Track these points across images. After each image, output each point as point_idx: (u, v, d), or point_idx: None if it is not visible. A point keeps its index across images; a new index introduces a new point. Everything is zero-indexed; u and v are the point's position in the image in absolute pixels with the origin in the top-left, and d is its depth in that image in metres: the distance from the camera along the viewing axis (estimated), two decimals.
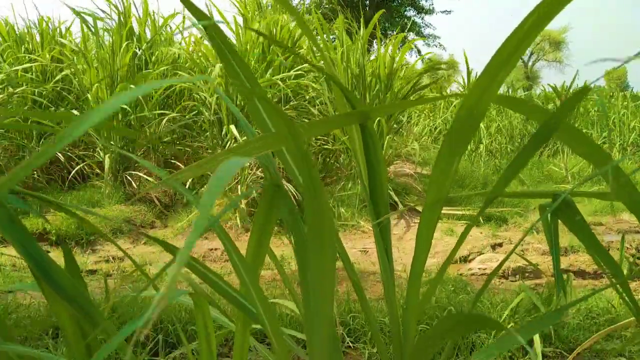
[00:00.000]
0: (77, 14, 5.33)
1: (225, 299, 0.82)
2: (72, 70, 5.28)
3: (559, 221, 0.84)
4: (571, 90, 9.73)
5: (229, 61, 0.81)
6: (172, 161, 5.27)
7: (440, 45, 22.59)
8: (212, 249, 3.91)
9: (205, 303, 0.87)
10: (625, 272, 2.26)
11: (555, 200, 0.78)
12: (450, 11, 23.02)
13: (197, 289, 0.90)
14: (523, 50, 0.66)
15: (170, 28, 6.30)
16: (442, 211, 5.57)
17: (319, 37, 5.93)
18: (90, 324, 0.76)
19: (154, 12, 5.98)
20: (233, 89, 4.88)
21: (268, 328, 0.77)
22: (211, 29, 0.78)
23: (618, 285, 0.77)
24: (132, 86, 4.93)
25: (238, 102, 4.91)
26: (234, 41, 5.12)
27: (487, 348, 0.75)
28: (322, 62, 5.57)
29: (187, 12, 6.40)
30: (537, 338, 1.92)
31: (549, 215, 0.82)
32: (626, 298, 0.75)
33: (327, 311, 0.71)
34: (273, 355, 1.00)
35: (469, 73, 8.58)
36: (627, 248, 3.78)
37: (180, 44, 6.13)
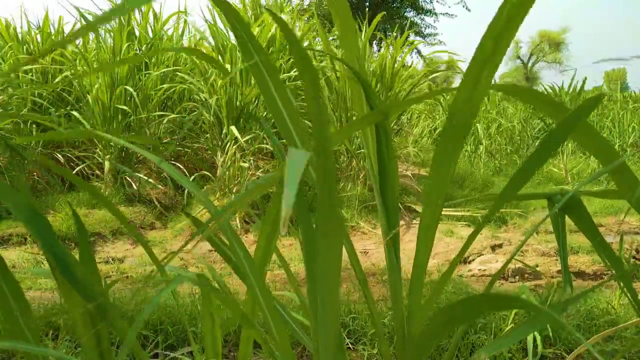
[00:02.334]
0: (81, 14, 5.34)
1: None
2: (73, 71, 5.29)
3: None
4: (569, 91, 9.73)
5: (252, 56, 0.81)
6: (173, 162, 5.27)
7: (441, 42, 22.53)
8: (211, 250, 3.91)
9: (212, 295, 0.87)
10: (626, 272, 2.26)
11: (564, 196, 0.80)
12: (453, 15, 22.81)
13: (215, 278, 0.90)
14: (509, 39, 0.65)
15: (178, 30, 6.31)
16: (442, 212, 5.58)
17: (320, 38, 5.93)
18: (102, 319, 0.77)
19: (154, 12, 5.98)
20: (233, 89, 4.88)
21: (274, 331, 0.77)
22: (235, 22, 0.78)
23: (621, 281, 0.78)
24: (130, 89, 4.93)
25: (238, 103, 4.91)
26: (234, 41, 5.12)
27: (508, 335, 0.74)
28: (322, 62, 5.58)
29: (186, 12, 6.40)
30: (538, 338, 1.93)
31: (557, 211, 0.83)
32: (626, 290, 0.76)
33: (334, 306, 0.71)
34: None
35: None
36: (627, 249, 3.78)
37: (180, 44, 6.13)
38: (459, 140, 0.73)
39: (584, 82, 9.43)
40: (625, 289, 0.77)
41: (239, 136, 4.52)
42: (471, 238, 0.80)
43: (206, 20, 5.27)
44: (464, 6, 22.25)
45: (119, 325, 0.77)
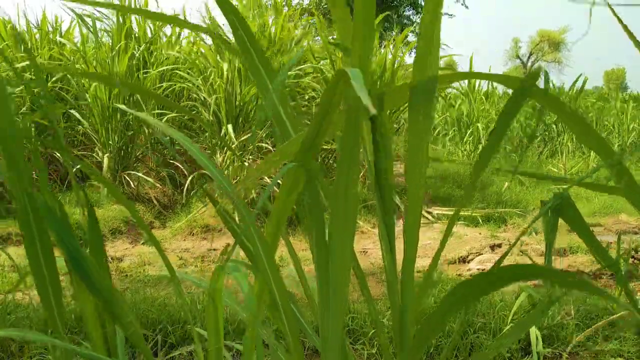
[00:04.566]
0: (78, 16, 5.33)
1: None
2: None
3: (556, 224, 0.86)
4: (574, 91, 9.72)
5: (252, 57, 0.83)
6: (171, 161, 5.26)
7: (443, 44, 22.52)
8: (210, 249, 3.91)
9: (220, 298, 0.87)
10: (622, 272, 2.27)
11: (556, 199, 0.81)
12: (452, 15, 22.86)
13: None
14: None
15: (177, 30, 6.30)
16: (439, 212, 5.50)
17: (320, 37, 5.93)
18: (111, 316, 0.78)
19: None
20: (232, 89, 4.88)
21: (280, 307, 0.77)
22: (236, 25, 0.79)
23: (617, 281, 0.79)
24: None
25: (237, 103, 4.91)
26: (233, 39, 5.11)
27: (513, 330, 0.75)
28: (322, 62, 5.58)
29: (187, 12, 6.40)
30: (538, 336, 1.93)
31: (550, 212, 0.84)
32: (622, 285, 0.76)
33: (342, 300, 0.72)
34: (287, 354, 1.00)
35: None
36: (625, 249, 3.79)
37: (180, 44, 6.13)
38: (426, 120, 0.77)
39: (584, 82, 9.39)
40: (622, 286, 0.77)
41: (233, 137, 4.52)
42: (453, 218, 0.81)
43: (206, 20, 5.26)
44: (462, 4, 22.33)
45: (125, 320, 0.77)
